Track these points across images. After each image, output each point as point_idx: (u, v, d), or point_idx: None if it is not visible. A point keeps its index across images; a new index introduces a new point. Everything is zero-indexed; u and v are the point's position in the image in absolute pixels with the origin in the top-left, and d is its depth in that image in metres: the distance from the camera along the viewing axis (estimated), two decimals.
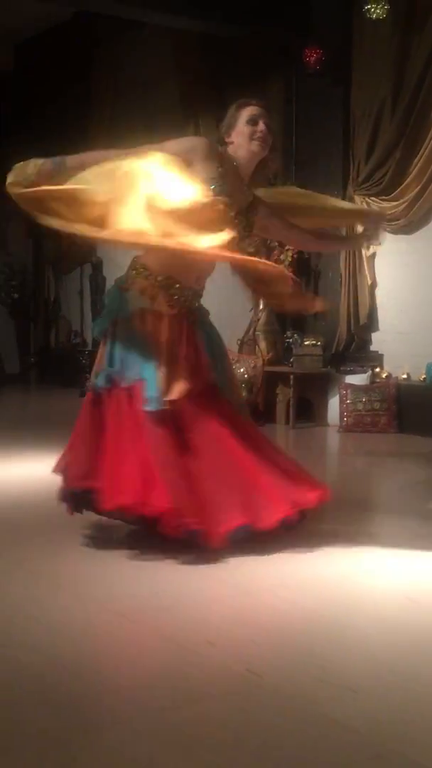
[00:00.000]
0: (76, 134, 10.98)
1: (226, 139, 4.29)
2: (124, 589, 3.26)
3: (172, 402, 3.89)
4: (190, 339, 4.14)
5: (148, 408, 3.88)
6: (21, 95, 11.80)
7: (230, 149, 4.25)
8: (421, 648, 2.72)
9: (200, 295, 4.32)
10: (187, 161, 4.06)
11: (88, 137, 10.81)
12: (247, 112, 4.30)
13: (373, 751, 2.08)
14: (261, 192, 4.47)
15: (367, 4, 7.32)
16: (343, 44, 7.90)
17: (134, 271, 4.10)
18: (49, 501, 4.82)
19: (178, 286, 4.09)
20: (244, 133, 4.27)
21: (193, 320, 4.20)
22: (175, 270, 4.07)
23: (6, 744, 2.12)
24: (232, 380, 4.49)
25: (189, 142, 4.39)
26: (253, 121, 4.29)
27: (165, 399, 3.88)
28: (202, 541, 3.68)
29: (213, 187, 4.06)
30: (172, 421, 3.91)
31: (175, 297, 4.08)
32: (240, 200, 4.21)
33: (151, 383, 3.92)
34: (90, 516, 4.29)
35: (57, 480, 4.93)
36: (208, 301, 4.42)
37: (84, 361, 9.81)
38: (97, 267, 10.73)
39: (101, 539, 4.03)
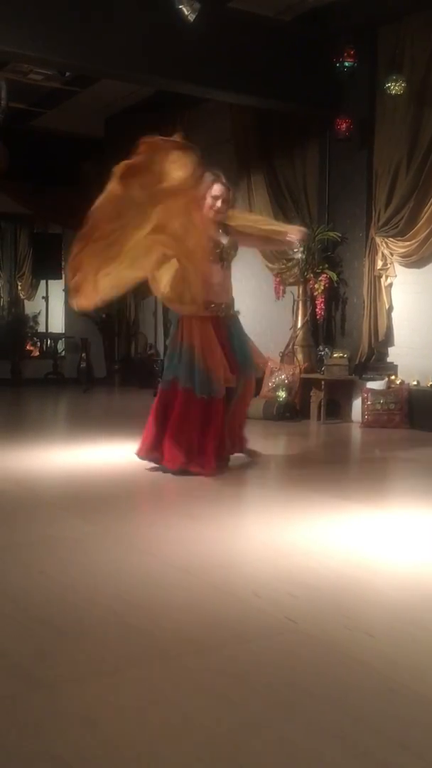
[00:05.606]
0: None
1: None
2: (187, 550, 3.25)
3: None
4: (223, 337, 4.89)
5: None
6: (108, 159, 11.84)
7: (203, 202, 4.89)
8: (430, 602, 2.68)
9: (231, 306, 5.01)
10: None
11: None
12: (215, 189, 4.91)
13: (387, 686, 2.04)
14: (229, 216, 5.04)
15: (388, 83, 7.27)
16: (367, 115, 7.83)
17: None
18: (125, 477, 4.84)
19: (213, 305, 4.88)
20: (208, 203, 4.90)
21: (226, 324, 4.95)
22: (209, 293, 4.83)
23: (84, 649, 2.14)
24: (251, 357, 5.14)
25: None
26: (214, 198, 4.90)
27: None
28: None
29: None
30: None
31: (212, 306, 4.89)
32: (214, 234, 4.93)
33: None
34: (156, 489, 4.27)
35: (130, 459, 4.96)
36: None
37: (156, 368, 9.82)
38: None
39: (167, 509, 4.03)
